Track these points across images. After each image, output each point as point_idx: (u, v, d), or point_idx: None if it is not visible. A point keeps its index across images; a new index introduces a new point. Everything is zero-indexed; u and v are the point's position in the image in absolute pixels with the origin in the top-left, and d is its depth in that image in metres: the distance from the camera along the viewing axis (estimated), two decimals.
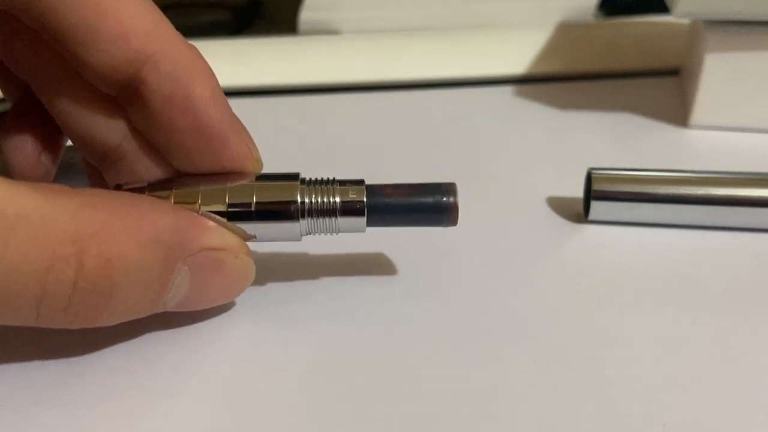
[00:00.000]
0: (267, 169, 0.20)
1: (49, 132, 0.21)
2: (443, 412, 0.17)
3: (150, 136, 0.19)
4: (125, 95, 0.19)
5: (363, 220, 0.19)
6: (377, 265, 0.22)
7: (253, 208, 0.18)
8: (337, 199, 0.19)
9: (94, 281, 0.16)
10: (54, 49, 0.18)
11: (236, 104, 0.19)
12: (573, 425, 0.16)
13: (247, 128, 0.20)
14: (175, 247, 0.17)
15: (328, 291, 0.21)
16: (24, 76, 0.20)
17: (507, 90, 0.36)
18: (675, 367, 0.18)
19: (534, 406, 0.17)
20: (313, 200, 0.19)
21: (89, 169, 0.22)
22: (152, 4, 0.18)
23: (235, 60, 0.38)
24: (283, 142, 0.32)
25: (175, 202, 0.18)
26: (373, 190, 0.19)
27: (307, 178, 0.19)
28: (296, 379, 0.18)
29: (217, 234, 0.18)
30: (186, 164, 0.19)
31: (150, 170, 0.20)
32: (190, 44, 0.19)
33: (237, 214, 0.18)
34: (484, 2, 0.46)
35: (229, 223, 0.18)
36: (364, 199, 0.19)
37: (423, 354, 0.18)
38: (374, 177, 0.27)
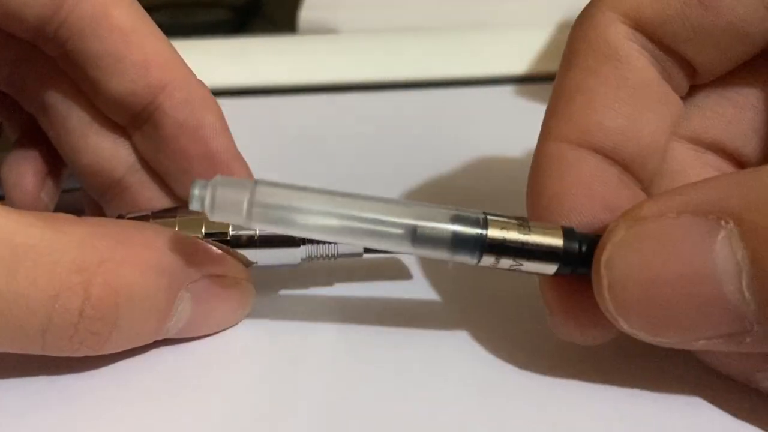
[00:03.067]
0: (265, 168, 0.20)
1: (51, 169, 0.22)
2: (446, 416, 0.17)
3: (157, 162, 0.20)
4: (136, 122, 0.19)
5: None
6: (378, 268, 0.22)
7: (256, 236, 0.19)
8: None
9: (100, 309, 0.16)
10: (69, 78, 0.19)
11: (235, 103, 0.20)
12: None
13: (246, 127, 0.20)
14: (179, 275, 0.17)
15: (336, 297, 0.21)
16: (32, 109, 0.20)
17: (507, 90, 0.36)
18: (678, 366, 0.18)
19: (542, 408, 0.17)
20: None
21: (88, 203, 0.22)
22: (166, 38, 0.19)
23: (234, 59, 0.38)
24: (282, 141, 0.32)
25: (178, 230, 0.19)
26: None
27: None
28: (299, 384, 0.18)
29: (219, 261, 0.18)
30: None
31: (150, 204, 0.20)
32: (199, 79, 0.20)
33: (240, 240, 0.19)
34: (484, 2, 0.45)
35: (232, 250, 0.19)
36: None
37: (428, 356, 0.18)
38: (373, 176, 0.27)
